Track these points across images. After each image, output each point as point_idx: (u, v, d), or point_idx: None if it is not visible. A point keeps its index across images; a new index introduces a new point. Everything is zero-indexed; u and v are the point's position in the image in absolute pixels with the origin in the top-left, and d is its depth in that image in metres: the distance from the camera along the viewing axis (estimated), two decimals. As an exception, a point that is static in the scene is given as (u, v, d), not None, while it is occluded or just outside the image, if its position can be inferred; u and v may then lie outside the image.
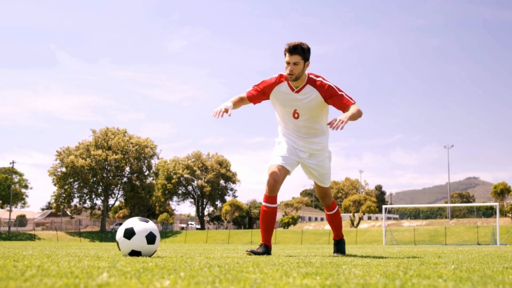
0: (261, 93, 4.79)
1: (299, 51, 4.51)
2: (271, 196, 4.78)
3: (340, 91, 4.68)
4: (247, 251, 4.82)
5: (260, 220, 4.87)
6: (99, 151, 63.72)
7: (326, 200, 5.32)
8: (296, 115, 4.74)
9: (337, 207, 5.44)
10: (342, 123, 4.27)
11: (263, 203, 4.82)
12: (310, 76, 4.70)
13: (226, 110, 4.47)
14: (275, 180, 4.72)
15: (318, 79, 4.69)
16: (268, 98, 4.81)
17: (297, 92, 4.67)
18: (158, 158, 70.74)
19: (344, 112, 4.57)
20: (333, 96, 4.65)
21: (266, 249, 4.77)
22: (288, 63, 4.56)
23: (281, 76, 4.75)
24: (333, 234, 5.55)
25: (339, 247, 5.45)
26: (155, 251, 4.08)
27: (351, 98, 4.68)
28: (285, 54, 4.57)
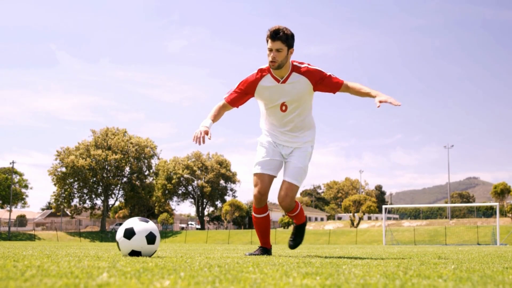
0: (243, 94, 4.46)
1: (282, 37, 4.15)
2: (259, 208, 4.71)
3: (328, 73, 4.39)
4: (245, 254, 4.77)
5: (254, 227, 4.82)
6: (99, 151, 63.73)
7: (291, 203, 4.67)
8: (283, 108, 4.42)
9: (300, 206, 4.91)
10: (390, 100, 4.07)
11: (253, 214, 4.75)
12: (294, 63, 4.36)
13: (206, 132, 4.19)
14: (261, 193, 4.60)
15: (303, 65, 4.36)
16: (252, 96, 4.49)
17: (283, 82, 4.33)
18: (158, 158, 70.77)
19: (335, 92, 4.42)
20: (324, 79, 4.35)
21: (264, 251, 4.74)
22: (270, 50, 4.20)
23: (261, 70, 4.40)
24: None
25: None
26: (155, 251, 4.08)
27: (339, 78, 4.42)
28: (267, 41, 4.21)
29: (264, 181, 4.59)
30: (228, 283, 1.63)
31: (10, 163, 66.37)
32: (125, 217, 76.10)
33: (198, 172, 72.18)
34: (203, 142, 4.16)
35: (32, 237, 58.50)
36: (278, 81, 4.34)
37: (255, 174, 4.63)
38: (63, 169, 63.59)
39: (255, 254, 4.64)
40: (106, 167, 65.25)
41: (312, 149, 4.69)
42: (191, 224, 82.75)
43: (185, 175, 70.69)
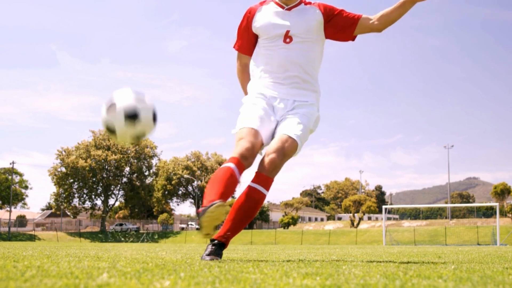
0: (248, 32, 3.68)
1: None
2: (240, 161, 3.27)
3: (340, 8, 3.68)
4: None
5: (212, 177, 3.28)
6: (99, 152, 63.76)
7: (279, 162, 3.36)
8: (288, 39, 3.52)
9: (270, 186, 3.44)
10: None
11: (226, 164, 3.26)
12: None
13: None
14: (252, 144, 3.31)
15: (313, 1, 3.70)
16: (255, 34, 3.66)
17: (289, 9, 3.60)
18: (158, 159, 70.80)
19: (353, 32, 3.60)
20: (337, 13, 3.60)
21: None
22: None
23: (263, 2, 3.72)
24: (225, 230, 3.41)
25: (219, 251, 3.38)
26: (141, 135, 3.12)
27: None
28: None
29: (255, 136, 3.36)
30: (228, 283, 1.63)
31: (10, 164, 66.44)
32: (125, 218, 76.14)
33: (198, 172, 72.19)
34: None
35: (32, 238, 58.51)
36: (282, 7, 3.61)
37: (242, 129, 3.41)
38: (63, 169, 63.62)
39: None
40: (106, 167, 65.27)
41: (318, 113, 3.67)
42: (191, 224, 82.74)
43: (185, 176, 70.71)
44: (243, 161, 3.27)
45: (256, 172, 3.40)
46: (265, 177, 3.36)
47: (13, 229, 67.01)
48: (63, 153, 64.57)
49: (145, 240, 55.63)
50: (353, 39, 3.67)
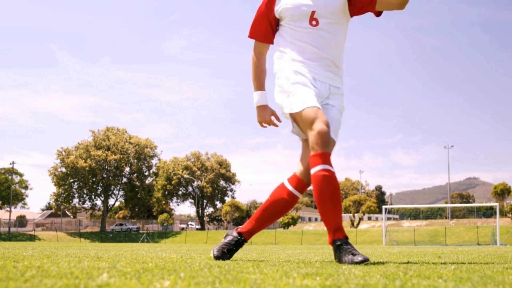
0: (268, 18, 3.43)
1: None
2: (325, 152, 3.00)
3: None
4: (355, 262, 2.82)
5: (322, 195, 2.96)
6: (99, 152, 63.76)
7: None
8: (314, 22, 3.31)
9: None
10: None
11: (320, 167, 2.96)
12: None
13: (274, 114, 3.37)
14: (328, 128, 3.05)
15: None
16: (278, 20, 3.44)
17: None
18: (158, 159, 70.79)
19: (374, 5, 3.36)
20: None
21: (347, 243, 2.95)
22: None
23: None
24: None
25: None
26: None
27: None
28: None
29: (323, 115, 3.09)
30: (228, 283, 1.63)
31: (10, 164, 66.44)
32: (125, 218, 76.16)
33: (198, 172, 72.19)
34: (276, 126, 3.41)
35: (32, 238, 58.51)
36: None
37: (310, 107, 3.08)
38: (63, 169, 63.64)
39: (343, 260, 2.90)
40: (106, 167, 65.27)
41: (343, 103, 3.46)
42: (191, 224, 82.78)
43: (185, 176, 70.72)
44: (328, 150, 3.03)
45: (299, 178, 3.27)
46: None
47: (13, 229, 67.02)
48: (63, 153, 64.58)
49: (145, 240, 55.63)
50: (377, 15, 3.47)
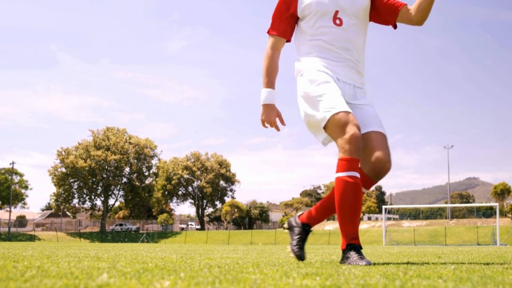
0: (288, 14, 3.35)
1: None
2: (355, 159, 2.93)
3: None
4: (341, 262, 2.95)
5: (344, 201, 2.94)
6: (99, 152, 63.76)
7: (388, 162, 3.14)
8: (337, 22, 3.24)
9: None
10: None
11: (346, 173, 2.93)
12: None
13: (279, 116, 3.27)
14: (360, 131, 2.98)
15: None
16: (296, 14, 3.35)
17: None
18: (158, 159, 70.79)
19: (396, 14, 3.32)
20: None
21: (357, 250, 2.90)
22: None
23: None
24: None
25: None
26: None
27: None
28: None
29: (354, 118, 3.00)
30: (228, 283, 1.63)
31: (10, 164, 66.43)
32: (125, 218, 76.18)
33: (198, 172, 72.19)
34: (278, 130, 3.29)
35: (32, 238, 58.51)
36: None
37: (341, 112, 2.98)
38: (63, 170, 63.63)
39: (347, 262, 2.87)
40: (106, 167, 65.27)
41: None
42: (191, 224, 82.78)
43: (185, 176, 70.72)
44: (358, 156, 2.95)
45: (369, 179, 3.17)
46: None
47: (13, 229, 67.02)
48: (63, 153, 64.58)
49: (145, 240, 55.63)
50: (394, 27, 3.42)
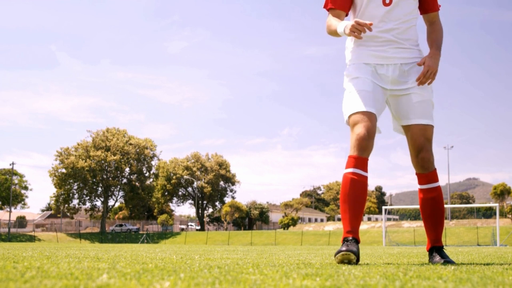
0: None
1: None
2: (361, 157, 3.11)
3: None
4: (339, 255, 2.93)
5: (344, 196, 3.08)
6: (98, 152, 63.76)
7: (427, 157, 3.32)
8: (387, 1, 3.26)
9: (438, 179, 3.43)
10: (432, 75, 3.25)
11: (349, 170, 3.09)
12: None
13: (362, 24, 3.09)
14: (369, 132, 3.10)
15: None
16: None
17: None
18: (158, 160, 70.81)
19: (428, 13, 3.46)
20: None
21: (355, 245, 2.96)
22: None
23: None
24: (431, 236, 3.44)
25: (443, 254, 3.41)
26: None
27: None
28: None
29: (371, 119, 3.14)
30: (228, 284, 1.63)
31: (10, 164, 66.45)
32: (125, 218, 76.19)
33: (198, 173, 72.19)
34: (370, 25, 3.09)
35: (32, 238, 58.50)
36: None
37: (357, 113, 3.15)
38: (63, 170, 63.63)
39: (342, 251, 2.90)
40: (106, 168, 65.27)
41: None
42: (191, 225, 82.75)
43: (185, 176, 70.72)
44: (364, 155, 3.11)
45: (419, 174, 3.38)
46: (431, 174, 3.36)
47: (13, 230, 67.01)
48: (63, 153, 64.58)
49: (145, 241, 55.63)
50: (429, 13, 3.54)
